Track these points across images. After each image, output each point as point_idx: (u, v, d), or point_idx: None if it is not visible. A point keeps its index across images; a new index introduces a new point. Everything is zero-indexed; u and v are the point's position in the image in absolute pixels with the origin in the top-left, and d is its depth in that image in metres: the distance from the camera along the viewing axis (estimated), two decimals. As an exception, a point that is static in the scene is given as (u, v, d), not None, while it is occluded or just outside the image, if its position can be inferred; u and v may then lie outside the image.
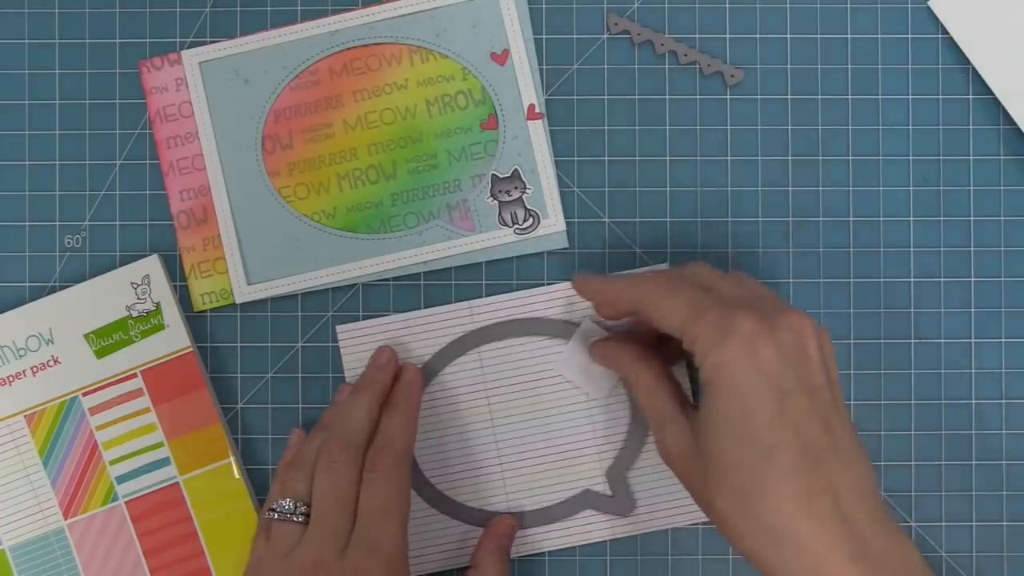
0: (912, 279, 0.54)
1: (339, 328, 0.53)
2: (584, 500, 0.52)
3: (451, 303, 0.53)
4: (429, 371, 0.53)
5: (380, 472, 0.47)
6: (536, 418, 0.53)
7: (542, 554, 0.53)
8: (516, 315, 0.53)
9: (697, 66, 0.53)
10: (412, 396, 0.50)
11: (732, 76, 0.53)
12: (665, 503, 0.52)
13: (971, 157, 0.54)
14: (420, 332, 0.53)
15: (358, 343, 0.53)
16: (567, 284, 0.53)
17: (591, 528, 0.52)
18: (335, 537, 0.45)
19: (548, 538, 0.52)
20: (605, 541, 0.53)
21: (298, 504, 0.46)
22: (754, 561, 0.41)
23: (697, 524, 0.53)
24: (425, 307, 0.53)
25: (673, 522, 0.53)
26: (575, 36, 0.54)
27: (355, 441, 0.47)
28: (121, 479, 0.52)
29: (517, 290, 0.53)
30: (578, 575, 0.53)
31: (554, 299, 0.53)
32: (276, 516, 0.46)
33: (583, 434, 0.53)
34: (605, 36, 0.54)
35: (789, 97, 0.54)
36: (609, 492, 0.52)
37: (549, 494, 0.53)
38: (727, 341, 0.41)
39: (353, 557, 0.45)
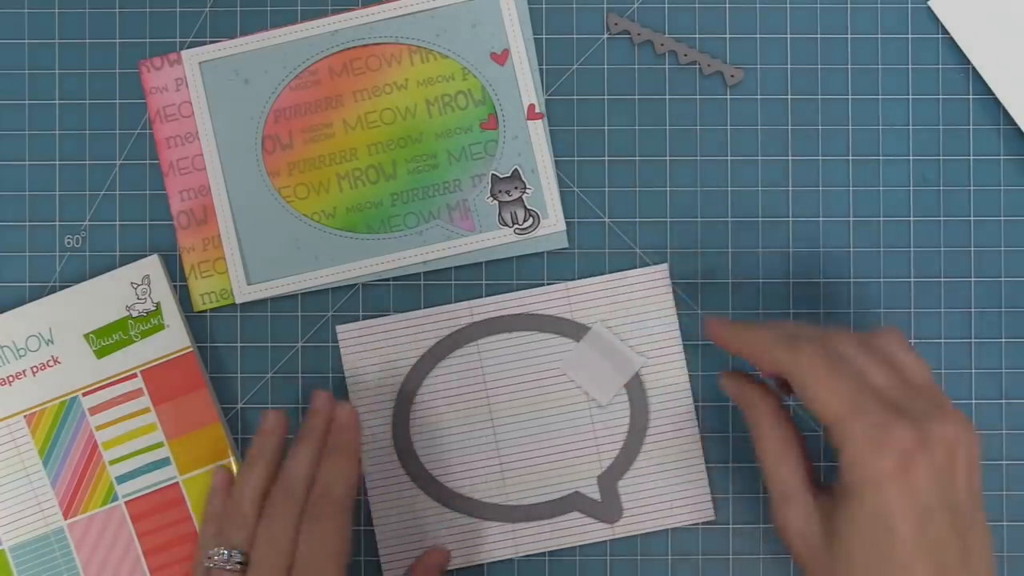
0: (912, 279, 0.54)
1: (339, 328, 0.53)
2: (573, 502, 0.52)
3: (451, 303, 0.53)
4: (426, 365, 0.53)
5: (318, 521, 0.46)
6: (535, 415, 0.53)
7: (542, 554, 0.53)
8: (518, 311, 0.53)
9: (697, 66, 0.53)
10: (350, 440, 0.49)
11: (732, 76, 0.53)
12: (649, 513, 0.53)
13: (971, 157, 0.54)
14: (420, 332, 0.53)
15: (358, 343, 0.53)
16: (568, 284, 0.53)
17: (574, 531, 0.53)
18: None
19: (530, 537, 0.53)
20: (604, 542, 0.53)
21: (233, 553, 0.46)
22: None
23: (679, 527, 0.53)
24: (425, 307, 0.53)
25: (657, 526, 0.53)
26: (575, 36, 0.54)
27: (296, 491, 0.47)
28: (121, 479, 0.52)
29: (517, 290, 0.53)
30: (578, 575, 0.53)
31: (555, 299, 0.53)
32: (212, 565, 0.46)
33: (580, 436, 0.53)
34: (605, 36, 0.54)
35: (789, 97, 0.54)
36: (598, 497, 0.53)
37: (540, 492, 0.53)
38: (882, 455, 0.40)
39: None
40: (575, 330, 0.53)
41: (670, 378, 0.53)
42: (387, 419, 0.53)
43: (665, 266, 0.53)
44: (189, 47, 0.54)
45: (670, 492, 0.53)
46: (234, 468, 0.52)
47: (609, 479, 0.53)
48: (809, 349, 0.43)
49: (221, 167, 0.53)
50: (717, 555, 0.53)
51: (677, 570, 0.53)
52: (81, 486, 0.52)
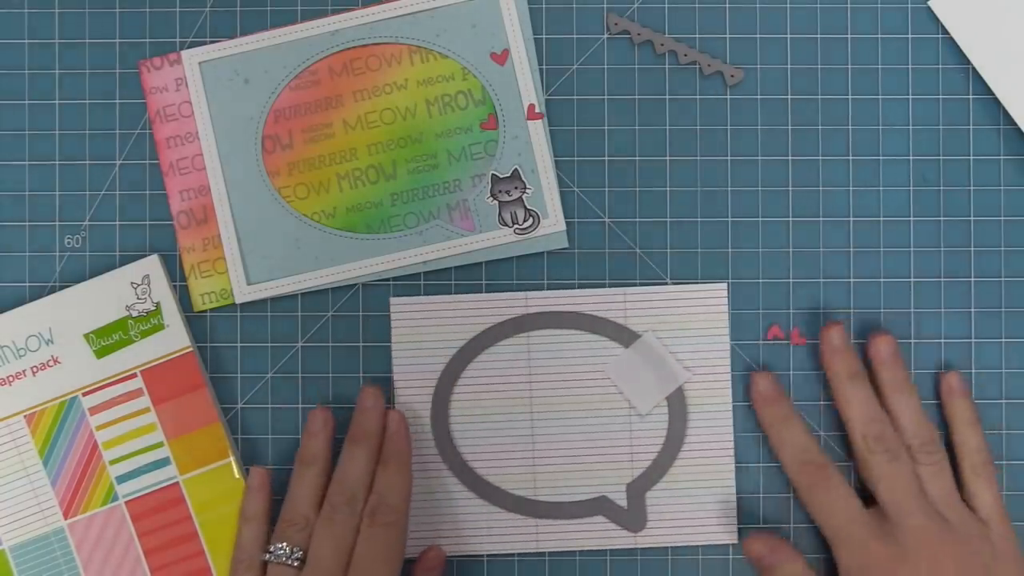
0: (912, 279, 0.54)
1: (393, 301, 0.53)
2: (599, 506, 0.52)
3: (508, 291, 0.53)
4: (473, 350, 0.53)
5: (377, 527, 0.48)
6: (574, 415, 0.53)
7: (541, 554, 0.53)
8: (572, 309, 0.53)
9: (697, 66, 0.53)
10: (402, 448, 0.51)
11: (732, 76, 0.53)
12: (672, 528, 0.52)
13: (971, 157, 0.54)
14: (472, 315, 0.53)
15: (410, 318, 0.53)
16: (627, 289, 0.53)
17: (596, 535, 0.53)
18: None
19: (551, 534, 0.52)
20: (623, 549, 0.53)
21: (294, 549, 0.48)
22: None
23: (696, 546, 0.53)
24: (425, 307, 0.53)
25: (678, 541, 0.53)
26: (575, 36, 0.54)
27: (355, 495, 0.49)
28: (121, 479, 0.52)
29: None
30: (578, 575, 0.53)
31: (611, 302, 0.53)
32: (272, 559, 0.48)
33: (615, 442, 0.53)
34: (605, 36, 0.54)
35: (789, 97, 0.54)
36: (625, 505, 0.53)
37: (568, 491, 0.53)
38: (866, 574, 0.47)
39: None
40: (625, 336, 0.53)
41: (713, 397, 0.53)
42: (427, 397, 0.53)
43: (724, 285, 0.53)
44: (189, 47, 0.54)
45: (697, 510, 0.53)
46: (234, 468, 0.52)
47: (638, 488, 0.52)
48: (811, 468, 0.50)
49: (221, 167, 0.53)
50: (717, 555, 0.53)
51: (677, 570, 0.53)
52: (81, 486, 0.52)
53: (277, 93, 0.54)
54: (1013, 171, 0.54)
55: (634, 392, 0.53)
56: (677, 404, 0.53)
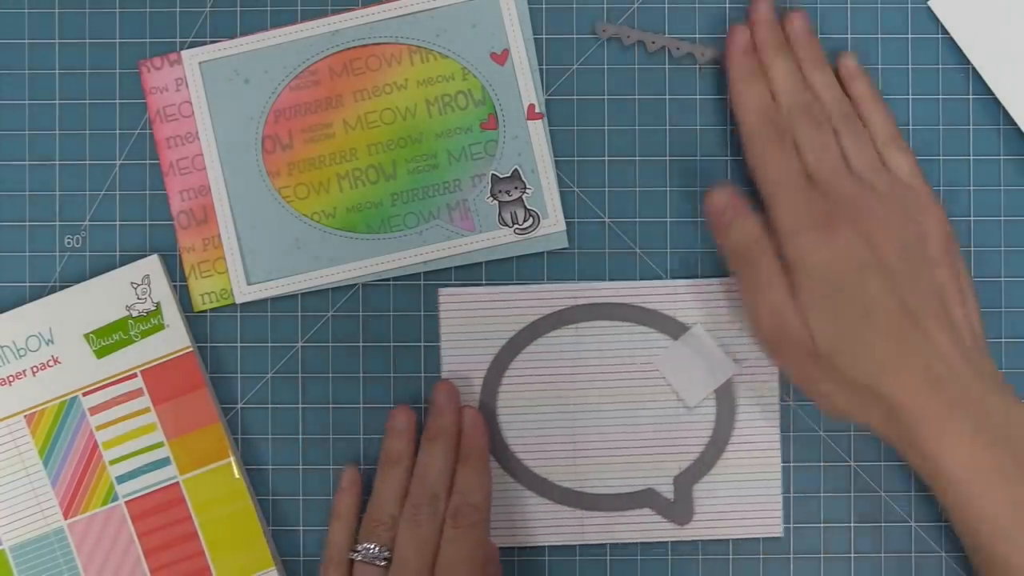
0: (912, 279, 0.54)
1: (441, 291, 0.53)
2: (645, 498, 0.52)
3: (554, 282, 0.53)
4: (522, 341, 0.53)
5: (462, 528, 0.48)
6: (621, 407, 0.53)
7: (541, 551, 0.53)
8: (621, 301, 0.53)
9: (666, 51, 0.53)
10: (481, 444, 0.51)
11: (703, 54, 0.53)
12: (718, 521, 0.53)
13: (971, 157, 0.54)
14: (522, 306, 0.53)
15: (459, 308, 0.53)
16: (677, 281, 0.53)
17: (642, 527, 0.52)
18: None
19: (596, 526, 0.52)
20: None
21: (382, 549, 0.48)
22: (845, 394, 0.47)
23: (741, 540, 0.53)
24: (425, 309, 0.53)
25: (724, 534, 0.53)
26: (575, 36, 0.54)
27: (436, 494, 0.49)
28: (121, 479, 0.52)
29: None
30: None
31: (661, 294, 0.53)
32: (360, 558, 0.48)
33: (663, 434, 0.53)
34: (604, 37, 0.54)
35: (789, 97, 0.54)
36: (672, 497, 0.53)
37: (614, 483, 0.53)
38: (805, 226, 0.47)
39: None
40: (675, 328, 0.53)
41: (761, 391, 0.53)
42: (476, 388, 0.53)
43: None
44: (189, 47, 0.54)
45: (742, 503, 0.53)
46: (234, 468, 0.52)
47: (685, 481, 0.52)
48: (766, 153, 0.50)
49: (221, 167, 0.53)
50: (717, 556, 0.53)
51: (677, 570, 0.53)
52: (81, 486, 0.52)
53: (277, 93, 0.54)
54: (1013, 171, 0.54)
55: (683, 384, 0.53)
56: (725, 397, 0.53)
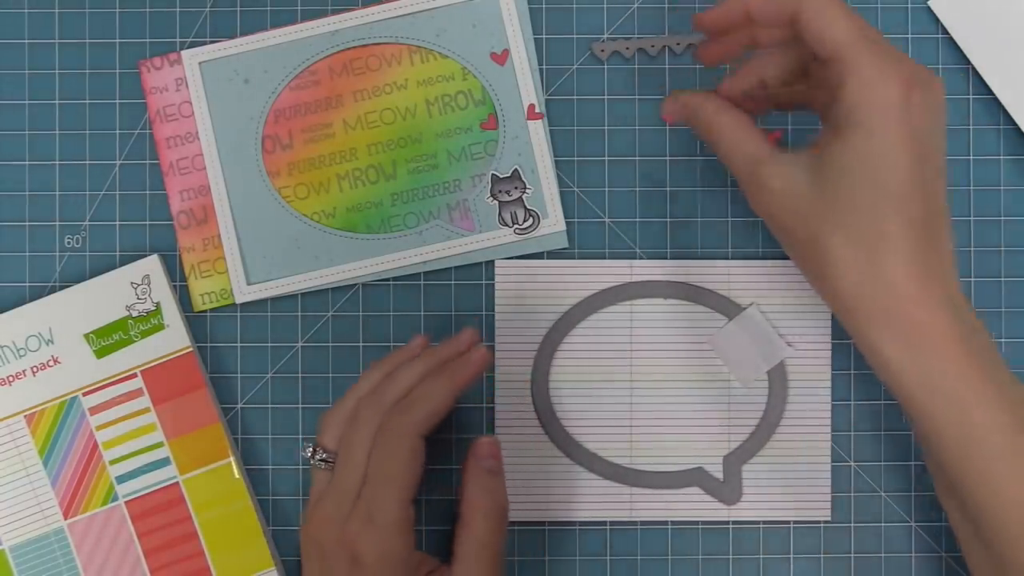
0: (912, 279, 0.54)
1: (498, 263, 0.53)
2: (695, 477, 0.52)
3: (607, 259, 0.53)
4: (576, 316, 0.53)
5: (391, 437, 0.44)
6: (674, 385, 0.53)
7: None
8: (676, 279, 0.53)
9: (667, 50, 0.53)
10: (463, 375, 0.46)
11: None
12: (767, 502, 0.53)
13: (971, 157, 0.54)
14: (576, 282, 0.53)
15: (515, 282, 0.53)
16: (731, 262, 0.53)
17: (691, 506, 0.53)
18: (342, 497, 0.45)
19: (646, 504, 0.53)
20: (718, 522, 0.53)
21: (318, 451, 0.47)
22: (851, 314, 0.42)
23: (789, 522, 0.53)
24: (425, 309, 0.53)
25: (773, 516, 0.53)
26: (575, 36, 0.54)
27: (383, 400, 0.46)
28: (121, 479, 0.52)
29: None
30: (578, 574, 0.53)
31: (716, 274, 0.53)
32: (310, 459, 0.47)
33: (714, 414, 0.53)
34: (605, 36, 0.54)
35: (789, 97, 0.54)
36: (721, 477, 0.53)
37: (664, 461, 0.53)
38: (889, 84, 0.41)
39: (350, 527, 0.44)
40: (730, 308, 0.53)
41: (813, 374, 0.53)
42: (528, 362, 0.53)
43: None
44: (189, 47, 0.54)
45: (792, 485, 0.52)
46: (234, 468, 0.52)
47: (735, 461, 0.53)
48: None
49: (221, 167, 0.53)
50: (717, 555, 0.53)
51: (677, 570, 0.53)
52: (81, 486, 0.52)
53: (277, 93, 0.54)
54: (1013, 171, 0.54)
55: (736, 365, 0.53)
56: (778, 379, 0.53)
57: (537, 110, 0.53)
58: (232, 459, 0.52)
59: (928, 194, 0.41)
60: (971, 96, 0.54)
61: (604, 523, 0.53)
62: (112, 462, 0.52)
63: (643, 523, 0.53)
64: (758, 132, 0.45)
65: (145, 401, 0.52)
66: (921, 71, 0.42)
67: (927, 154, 0.41)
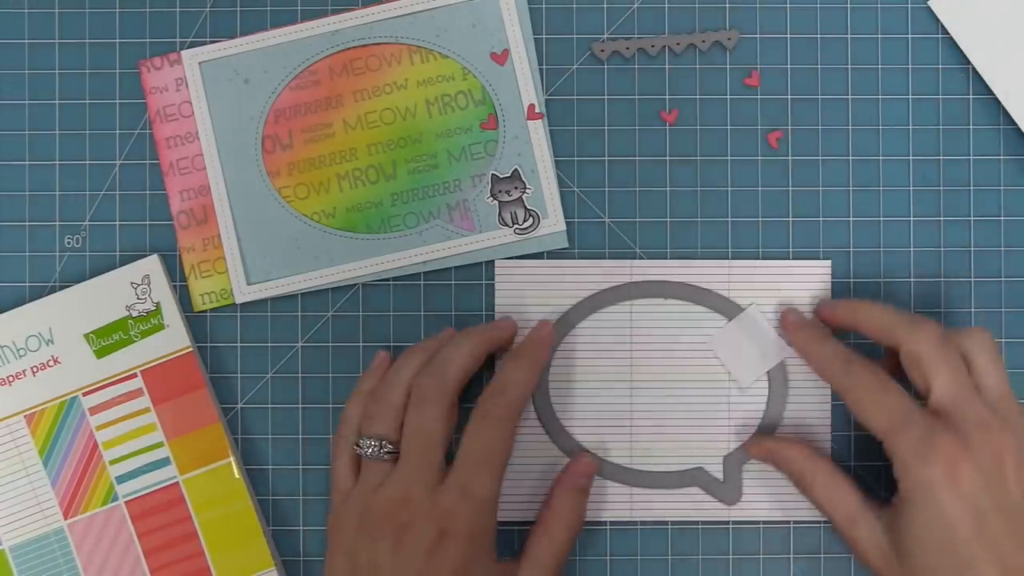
0: (912, 279, 0.54)
1: (498, 262, 0.53)
2: (694, 477, 0.53)
3: (607, 259, 0.53)
4: (576, 316, 0.53)
5: (490, 419, 0.46)
6: (674, 385, 0.53)
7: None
8: (676, 279, 0.53)
9: (696, 49, 0.53)
10: (541, 350, 0.49)
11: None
12: (767, 502, 0.53)
13: (971, 157, 0.54)
14: (576, 281, 0.53)
15: (514, 281, 0.53)
16: (731, 262, 0.53)
17: (691, 506, 0.53)
18: (424, 475, 0.45)
19: (646, 503, 0.52)
20: (719, 522, 0.53)
21: (383, 443, 0.47)
22: None
23: (788, 522, 0.53)
24: (425, 309, 0.53)
25: (772, 516, 0.53)
26: (575, 36, 0.54)
27: (450, 379, 0.47)
28: (121, 479, 0.52)
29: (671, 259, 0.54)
30: (578, 574, 0.53)
31: (715, 274, 0.53)
32: (365, 454, 0.47)
33: (714, 414, 0.53)
34: (605, 36, 0.54)
35: (789, 97, 0.54)
36: (721, 477, 0.53)
37: (664, 461, 0.53)
38: (929, 464, 0.44)
39: (443, 498, 0.45)
40: (729, 308, 0.53)
41: (813, 374, 0.52)
42: None
43: (828, 263, 0.53)
44: (189, 47, 0.54)
45: (791, 486, 0.52)
46: (234, 468, 0.52)
47: (735, 461, 0.53)
48: (858, 368, 0.47)
49: (221, 167, 0.53)
50: (717, 555, 0.53)
51: (677, 570, 0.53)
52: (81, 486, 0.52)
53: (277, 93, 0.54)
54: (1013, 171, 0.54)
55: (736, 365, 0.53)
56: (778, 379, 0.53)
57: (537, 110, 0.53)
58: (232, 459, 0.52)
59: (1000, 549, 0.44)
60: (971, 96, 0.54)
61: (604, 523, 0.53)
62: (112, 462, 0.52)
63: (643, 523, 0.53)
64: (849, 485, 0.48)
65: (145, 401, 0.52)
66: (972, 437, 0.44)
67: (986, 516, 0.44)
